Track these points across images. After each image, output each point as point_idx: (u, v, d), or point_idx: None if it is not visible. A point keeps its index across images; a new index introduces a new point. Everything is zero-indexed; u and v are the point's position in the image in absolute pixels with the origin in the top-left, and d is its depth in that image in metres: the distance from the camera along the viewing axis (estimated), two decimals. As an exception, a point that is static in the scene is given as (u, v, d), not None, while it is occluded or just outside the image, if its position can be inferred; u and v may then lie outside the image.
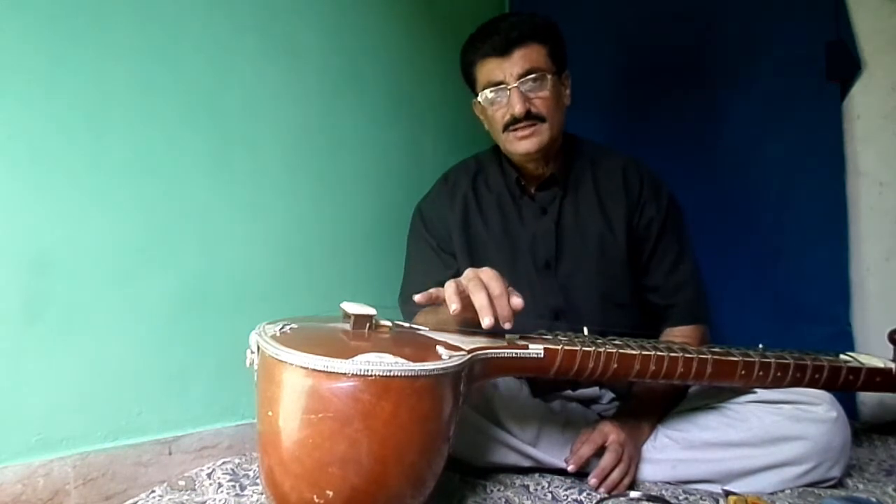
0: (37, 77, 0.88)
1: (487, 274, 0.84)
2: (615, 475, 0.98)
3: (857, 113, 1.50)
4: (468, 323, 0.95)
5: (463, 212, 1.22)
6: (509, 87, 1.11)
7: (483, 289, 0.82)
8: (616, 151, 1.26)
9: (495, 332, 0.95)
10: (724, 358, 0.98)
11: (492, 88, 1.13)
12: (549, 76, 1.12)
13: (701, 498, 0.98)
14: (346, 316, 0.84)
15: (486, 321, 0.80)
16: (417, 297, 0.85)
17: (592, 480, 0.98)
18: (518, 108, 1.10)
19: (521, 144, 1.13)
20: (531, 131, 1.12)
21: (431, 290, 0.86)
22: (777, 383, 1.02)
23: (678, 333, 1.17)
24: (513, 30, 1.12)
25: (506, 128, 1.14)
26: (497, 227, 1.21)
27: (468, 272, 0.85)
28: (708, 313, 1.22)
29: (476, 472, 1.00)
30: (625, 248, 1.18)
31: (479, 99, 1.16)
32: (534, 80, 1.11)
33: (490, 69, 1.13)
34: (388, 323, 0.89)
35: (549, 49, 1.13)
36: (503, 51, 1.11)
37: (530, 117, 1.11)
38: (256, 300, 1.14)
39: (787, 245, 1.53)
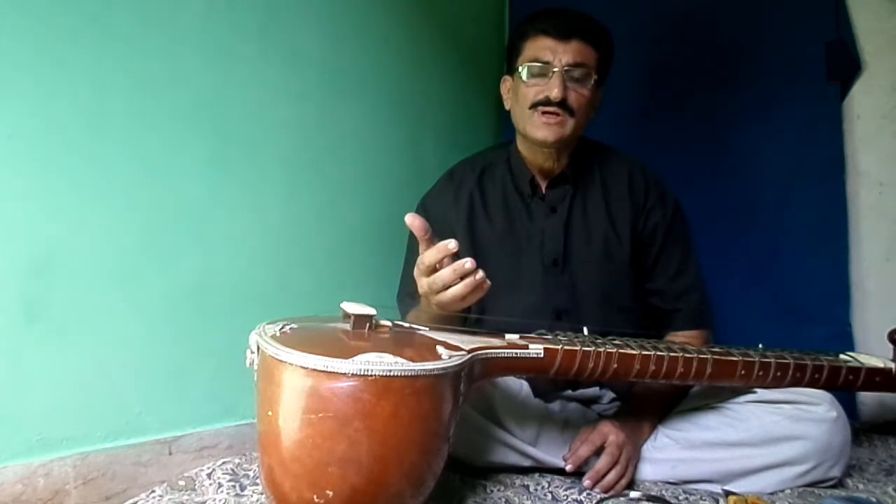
0: (37, 77, 0.88)
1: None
2: (611, 477, 0.98)
3: (857, 113, 1.50)
4: (452, 319, 0.95)
5: (468, 209, 1.21)
6: (554, 69, 1.09)
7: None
8: (621, 153, 1.26)
9: (495, 330, 0.95)
10: (723, 358, 0.98)
11: (536, 65, 1.11)
12: (593, 76, 1.12)
13: (701, 498, 0.98)
14: (346, 316, 0.84)
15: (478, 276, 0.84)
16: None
17: (587, 482, 0.98)
18: (556, 92, 1.08)
19: (542, 130, 1.11)
20: (557, 120, 1.10)
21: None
22: (777, 383, 1.02)
23: (681, 338, 1.17)
24: (579, 20, 1.11)
25: (534, 106, 1.11)
26: (502, 224, 1.20)
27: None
28: (711, 319, 1.22)
29: (476, 472, 1.00)
30: (629, 252, 1.18)
31: (519, 70, 1.13)
32: (579, 74, 1.10)
33: (541, 47, 1.11)
34: (388, 323, 0.89)
35: (600, 57, 1.13)
36: (563, 34, 1.10)
37: (563, 106, 1.10)
38: (256, 300, 1.14)
39: (786, 245, 1.53)
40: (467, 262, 0.83)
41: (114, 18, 0.96)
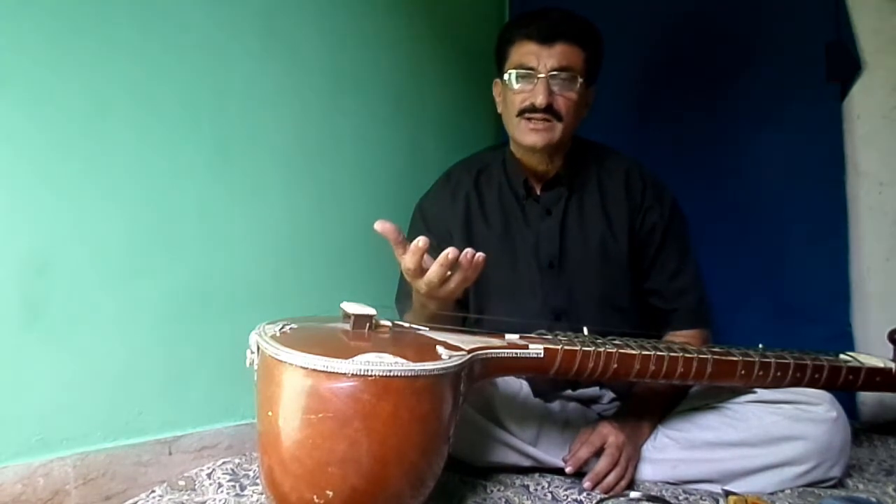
0: (37, 77, 0.88)
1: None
2: (610, 479, 0.98)
3: (857, 113, 1.49)
4: (451, 320, 0.94)
5: (465, 210, 1.21)
6: (539, 75, 1.09)
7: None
8: (619, 153, 1.26)
9: (495, 331, 0.95)
10: (724, 358, 0.98)
11: (521, 72, 1.11)
12: (579, 79, 1.11)
13: (701, 498, 0.98)
14: (346, 316, 0.84)
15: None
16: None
17: (587, 483, 0.98)
18: (541, 99, 1.08)
19: (530, 136, 1.11)
20: (544, 126, 1.10)
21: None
22: (777, 383, 1.02)
23: (680, 338, 1.17)
24: (562, 23, 1.10)
25: (521, 113, 1.11)
26: (499, 226, 1.20)
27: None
28: (710, 318, 1.22)
29: (476, 472, 1.00)
30: (626, 252, 1.18)
31: (506, 78, 1.14)
32: (564, 78, 1.10)
33: (525, 52, 1.11)
34: (388, 323, 0.89)
35: (587, 56, 1.12)
36: (546, 39, 1.09)
37: (549, 112, 1.09)
38: (256, 300, 1.14)
39: (787, 245, 1.53)
40: (449, 253, 0.82)
41: (113, 17, 0.96)
